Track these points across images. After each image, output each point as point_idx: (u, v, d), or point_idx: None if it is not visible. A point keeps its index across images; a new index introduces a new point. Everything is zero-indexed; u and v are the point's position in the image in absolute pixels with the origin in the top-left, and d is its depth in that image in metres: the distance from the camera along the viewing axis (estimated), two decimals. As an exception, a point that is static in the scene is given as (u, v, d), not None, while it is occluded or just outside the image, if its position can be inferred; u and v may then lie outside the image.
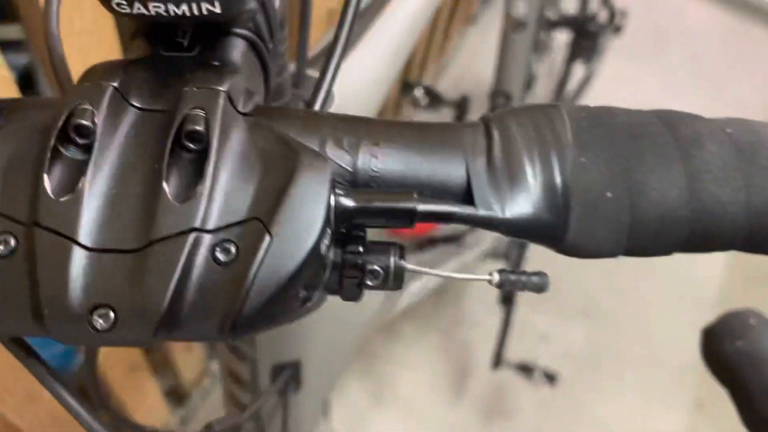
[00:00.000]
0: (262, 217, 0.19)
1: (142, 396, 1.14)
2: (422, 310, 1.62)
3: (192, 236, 0.18)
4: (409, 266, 0.23)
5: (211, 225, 0.19)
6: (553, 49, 1.55)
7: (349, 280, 0.22)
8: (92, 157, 0.19)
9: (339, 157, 0.22)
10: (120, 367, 1.02)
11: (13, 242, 0.18)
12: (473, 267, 1.68)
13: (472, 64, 2.32)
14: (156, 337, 0.18)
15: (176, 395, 1.36)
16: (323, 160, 0.21)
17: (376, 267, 0.22)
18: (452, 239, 1.02)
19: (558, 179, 0.22)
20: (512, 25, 1.06)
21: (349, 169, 0.22)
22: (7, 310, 0.18)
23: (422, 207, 0.22)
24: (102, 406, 0.36)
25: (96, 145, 0.19)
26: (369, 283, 0.22)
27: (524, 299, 1.62)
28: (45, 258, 0.18)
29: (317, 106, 0.29)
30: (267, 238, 0.19)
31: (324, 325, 0.51)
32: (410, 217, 0.21)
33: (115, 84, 0.20)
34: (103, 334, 0.18)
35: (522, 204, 0.22)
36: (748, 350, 0.27)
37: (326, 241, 0.21)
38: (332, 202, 0.21)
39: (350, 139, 0.22)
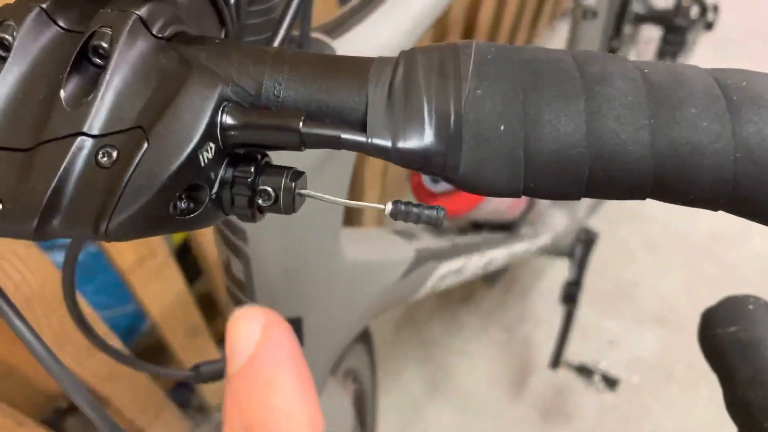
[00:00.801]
0: (145, 125, 0.21)
1: (202, 360, 1.20)
2: (487, 303, 1.61)
3: (78, 139, 0.20)
4: (302, 191, 0.24)
5: (96, 130, 0.21)
6: (638, 43, 1.49)
7: (239, 198, 0.24)
8: (5, 66, 0.21)
9: (244, 82, 0.23)
10: (180, 331, 1.08)
11: None
12: (534, 263, 1.64)
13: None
14: (38, 231, 0.20)
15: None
16: (215, 79, 0.22)
17: (267, 187, 0.23)
18: (501, 227, 1.01)
19: (452, 111, 0.22)
20: (582, 13, 1.03)
21: (253, 93, 0.23)
22: None
23: (307, 128, 0.22)
24: (89, 334, 0.39)
25: (11, 56, 0.22)
26: (260, 202, 0.23)
27: (595, 302, 1.57)
28: None
29: (275, 43, 0.30)
30: (145, 145, 0.20)
31: (330, 287, 0.52)
32: (295, 136, 0.22)
33: (44, 5, 0.22)
34: None
35: (414, 135, 0.22)
36: (740, 336, 0.26)
37: (208, 155, 0.22)
38: (218, 119, 0.22)
39: (257, 66, 0.24)
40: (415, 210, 0.23)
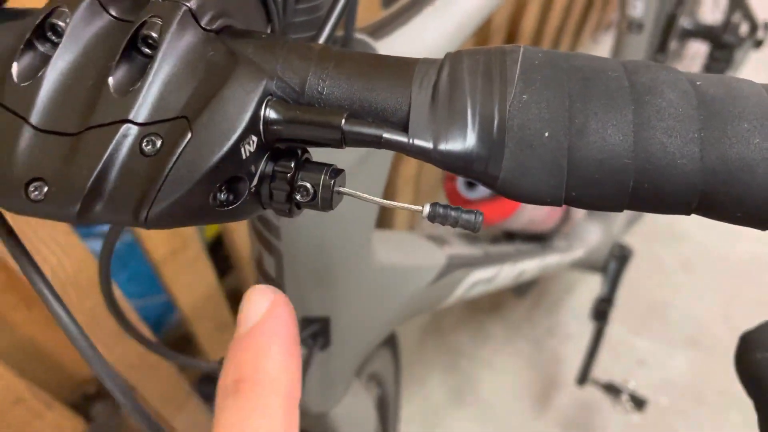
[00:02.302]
0: (189, 116, 0.21)
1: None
2: (515, 315, 1.59)
3: (123, 126, 0.21)
4: (340, 188, 0.24)
5: (141, 119, 0.21)
6: (684, 59, 1.47)
7: (278, 193, 0.23)
8: (57, 52, 0.22)
9: (288, 77, 0.23)
10: (208, 325, 1.09)
11: None
12: (566, 277, 1.62)
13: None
14: (80, 215, 0.21)
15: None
16: (260, 74, 0.22)
17: (306, 183, 0.23)
18: (535, 238, 1.00)
19: (496, 115, 0.22)
20: (627, 25, 1.02)
21: (297, 89, 0.23)
22: None
23: (348, 126, 0.22)
24: (120, 319, 0.40)
25: (62, 42, 0.22)
26: (298, 198, 0.23)
27: (626, 320, 1.54)
28: (1, 132, 0.21)
29: (320, 41, 0.30)
30: (188, 135, 0.21)
31: (359, 289, 0.52)
32: (337, 133, 0.22)
33: None
34: (35, 204, 0.21)
35: (456, 138, 0.22)
36: None
37: (250, 148, 0.22)
38: (261, 113, 0.22)
39: (302, 62, 0.24)
40: (453, 213, 0.23)
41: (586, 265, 1.26)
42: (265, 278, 0.49)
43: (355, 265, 0.50)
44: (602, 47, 2.41)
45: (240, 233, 1.04)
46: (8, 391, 0.75)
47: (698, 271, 1.70)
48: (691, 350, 1.52)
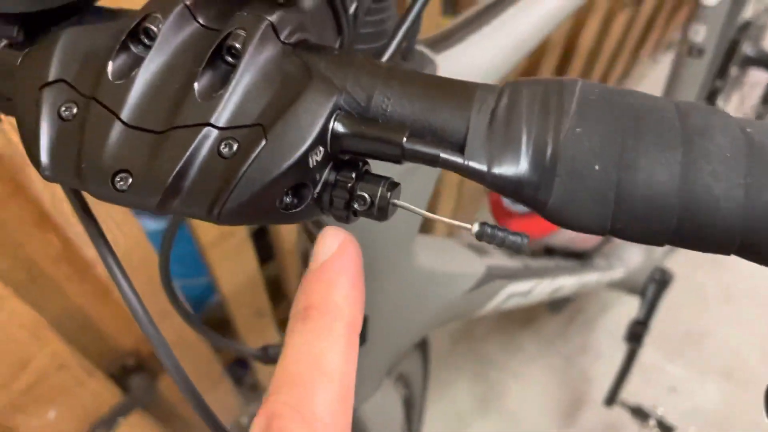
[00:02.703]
0: (265, 124, 0.23)
1: (263, 342, 1.24)
2: (548, 330, 1.58)
3: (205, 129, 0.23)
4: (395, 201, 0.25)
5: (222, 123, 0.23)
6: (743, 86, 1.44)
7: (338, 200, 0.25)
8: (149, 55, 0.24)
9: (356, 93, 0.25)
10: (246, 310, 1.12)
11: (75, 110, 0.24)
12: (602, 296, 1.61)
13: (655, 91, 2.19)
14: (159, 206, 0.23)
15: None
16: (332, 88, 0.24)
17: (364, 193, 0.25)
18: (574, 255, 0.99)
19: (549, 144, 0.23)
20: (688, 50, 1.01)
21: (362, 104, 0.25)
22: (60, 160, 0.24)
23: (410, 144, 0.24)
24: (171, 294, 0.42)
25: (155, 45, 0.24)
26: (356, 206, 0.25)
27: (661, 345, 1.52)
28: (93, 125, 0.23)
29: (384, 59, 0.32)
30: (263, 142, 0.22)
31: (399, 291, 0.54)
32: (397, 150, 0.24)
33: (188, 2, 0.25)
34: (120, 193, 0.23)
35: (509, 162, 0.23)
36: None
37: (317, 157, 0.24)
38: (330, 126, 0.24)
39: (370, 79, 0.25)
40: (500, 234, 0.24)
41: (624, 286, 1.25)
42: (310, 273, 0.51)
43: (396, 266, 0.52)
44: (661, 67, 2.37)
45: (284, 225, 1.07)
46: (55, 356, 0.79)
47: (739, 302, 1.66)
48: (724, 381, 1.49)
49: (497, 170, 0.23)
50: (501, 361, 1.52)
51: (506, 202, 0.81)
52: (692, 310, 1.63)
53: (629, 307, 1.54)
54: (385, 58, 0.32)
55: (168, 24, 0.24)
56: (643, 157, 0.22)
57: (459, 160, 0.24)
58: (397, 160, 0.24)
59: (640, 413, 1.25)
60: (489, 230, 0.25)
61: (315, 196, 0.25)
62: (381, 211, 0.25)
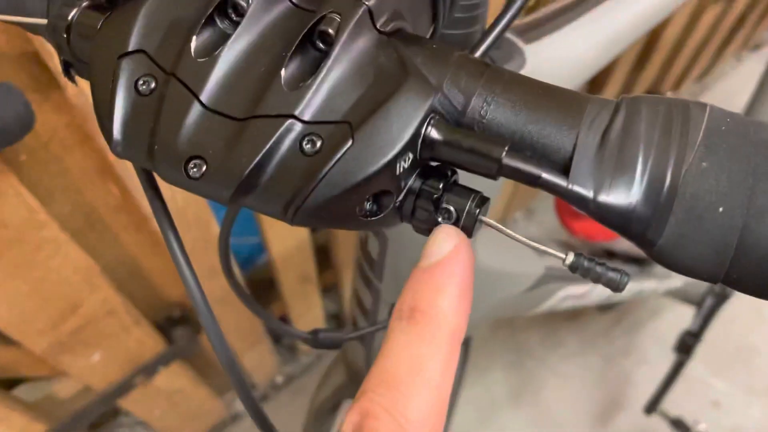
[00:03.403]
0: (353, 122, 0.21)
1: (306, 307, 1.25)
2: (592, 328, 1.55)
3: (288, 121, 0.21)
4: (484, 218, 0.23)
5: (307, 117, 0.21)
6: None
7: (421, 211, 0.23)
8: (236, 32, 0.22)
9: (453, 95, 0.23)
10: (293, 274, 1.12)
11: (153, 84, 0.22)
12: (654, 300, 1.55)
13: (736, 92, 2.09)
14: (233, 198, 0.21)
15: (337, 322, 1.46)
16: (428, 89, 0.22)
17: (450, 207, 0.23)
18: (634, 260, 0.96)
19: (668, 177, 0.20)
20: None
21: (459, 108, 0.23)
22: (133, 138, 0.22)
23: (508, 160, 0.21)
24: (230, 277, 0.41)
25: (243, 23, 0.22)
26: (440, 219, 0.23)
27: (710, 358, 1.47)
28: (171, 104, 0.22)
29: (477, 54, 0.29)
30: (349, 142, 0.20)
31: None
32: (494, 166, 0.21)
33: None
34: (193, 181, 0.21)
35: (619, 192, 0.21)
36: None
37: (405, 164, 0.21)
38: (423, 130, 0.22)
39: (469, 80, 0.23)
40: (598, 269, 0.22)
41: (681, 296, 1.20)
42: (366, 259, 0.50)
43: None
44: (746, 67, 2.25)
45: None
46: (105, 302, 0.80)
47: (798, 324, 1.59)
48: (771, 403, 1.44)
49: (604, 198, 0.21)
50: (540, 354, 1.50)
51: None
52: (745, 326, 1.56)
53: (679, 314, 1.49)
54: (479, 52, 0.29)
55: (258, 1, 0.22)
56: None
57: (562, 182, 0.21)
58: (491, 176, 0.22)
59: (680, 425, 1.22)
60: (585, 263, 0.22)
61: (397, 204, 0.23)
62: (466, 228, 0.23)
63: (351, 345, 0.63)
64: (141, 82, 0.22)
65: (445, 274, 0.22)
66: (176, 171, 0.21)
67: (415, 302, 0.22)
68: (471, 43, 0.38)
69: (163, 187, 0.26)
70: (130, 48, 0.23)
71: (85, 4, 0.25)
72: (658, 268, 1.03)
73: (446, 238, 0.23)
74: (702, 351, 1.38)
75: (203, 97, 0.21)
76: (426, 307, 0.21)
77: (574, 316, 1.57)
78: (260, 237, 1.01)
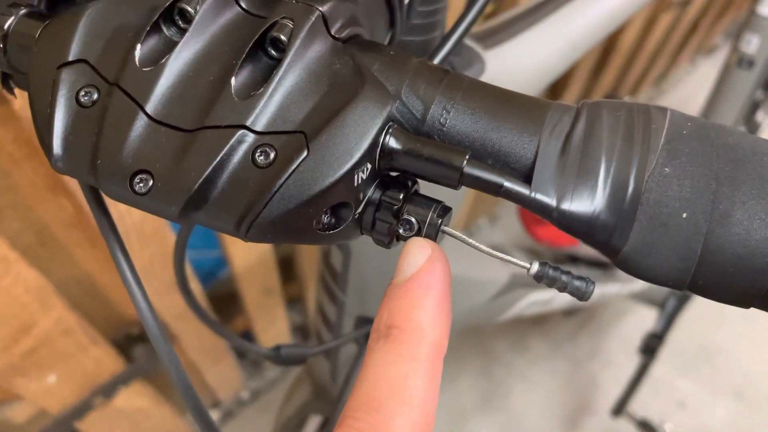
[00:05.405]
0: (308, 132, 0.20)
1: (271, 321, 1.22)
2: (559, 332, 1.56)
3: (239, 132, 0.20)
4: (446, 228, 0.22)
5: (259, 127, 0.20)
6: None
7: (381, 223, 0.22)
8: (183, 40, 0.21)
9: (412, 102, 0.22)
10: (256, 287, 1.10)
11: (95, 96, 0.21)
12: (618, 302, 1.57)
13: (692, 97, 2.14)
14: (182, 215, 0.20)
15: (303, 334, 1.44)
16: (386, 97, 0.21)
17: (411, 218, 0.22)
18: (598, 265, 0.96)
19: (631, 184, 0.20)
20: (737, 59, 0.96)
21: (418, 116, 0.22)
22: (74, 152, 0.21)
23: (470, 169, 0.21)
24: (186, 294, 0.40)
25: (190, 30, 0.21)
26: (401, 231, 0.22)
27: (674, 359, 1.49)
28: (114, 116, 0.20)
29: (436, 60, 0.29)
30: (304, 153, 0.19)
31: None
32: (455, 175, 0.21)
33: None
34: (139, 196, 0.20)
35: (582, 199, 0.20)
36: None
37: (363, 175, 0.21)
38: (381, 140, 0.21)
39: (428, 87, 0.22)
40: (563, 278, 0.21)
41: (644, 298, 1.21)
42: (330, 271, 0.49)
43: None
44: (701, 71, 2.31)
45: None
46: (59, 321, 0.77)
47: (758, 324, 1.62)
48: (734, 401, 1.46)
49: (567, 206, 0.20)
50: (507, 360, 1.50)
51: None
52: (708, 326, 1.59)
53: (642, 316, 1.51)
54: (438, 58, 0.29)
55: (206, 5, 0.21)
56: (739, 209, 0.19)
57: (524, 191, 0.21)
58: (452, 185, 0.21)
59: (646, 427, 1.23)
60: (550, 272, 0.22)
61: (356, 216, 0.22)
62: (428, 239, 0.22)
63: (316, 359, 0.62)
64: (82, 93, 0.21)
65: (422, 286, 0.21)
66: (121, 187, 0.20)
67: (391, 319, 0.21)
68: (430, 50, 0.38)
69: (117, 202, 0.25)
70: (71, 57, 0.21)
71: (22, 11, 0.24)
72: (621, 272, 1.03)
73: (419, 251, 0.22)
74: (666, 352, 1.40)
75: (149, 108, 0.20)
76: (402, 323, 0.21)
77: (540, 321, 1.57)
78: (221, 250, 0.99)
